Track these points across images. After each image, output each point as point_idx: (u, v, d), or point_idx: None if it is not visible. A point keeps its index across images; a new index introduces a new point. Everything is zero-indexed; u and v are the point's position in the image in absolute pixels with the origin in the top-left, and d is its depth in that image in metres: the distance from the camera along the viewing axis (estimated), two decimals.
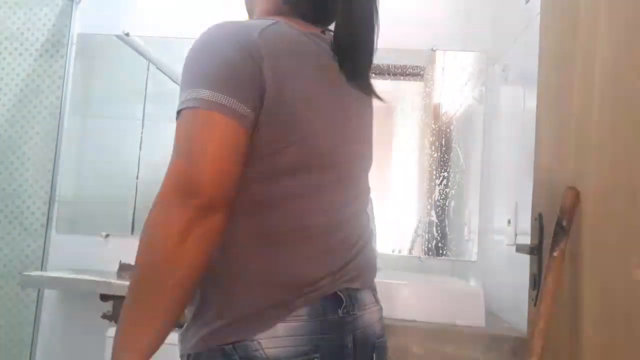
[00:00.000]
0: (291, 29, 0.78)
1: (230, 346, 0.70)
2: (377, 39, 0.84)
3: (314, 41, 0.80)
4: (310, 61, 0.78)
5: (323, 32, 0.84)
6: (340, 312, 0.76)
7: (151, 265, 0.68)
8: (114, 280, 1.71)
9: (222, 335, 0.71)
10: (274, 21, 0.78)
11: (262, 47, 0.72)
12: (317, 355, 0.72)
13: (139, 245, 0.69)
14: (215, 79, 0.70)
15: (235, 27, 0.75)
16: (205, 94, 0.69)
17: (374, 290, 0.87)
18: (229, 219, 0.73)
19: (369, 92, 0.88)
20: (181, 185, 0.67)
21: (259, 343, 0.70)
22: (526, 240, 1.06)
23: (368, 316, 0.81)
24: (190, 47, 0.75)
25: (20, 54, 2.07)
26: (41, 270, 1.98)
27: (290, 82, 0.74)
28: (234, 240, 0.75)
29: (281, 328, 0.71)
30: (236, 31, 0.74)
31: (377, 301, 0.87)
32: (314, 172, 0.76)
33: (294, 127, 0.74)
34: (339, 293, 0.76)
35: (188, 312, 0.78)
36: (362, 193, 0.87)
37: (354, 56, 0.82)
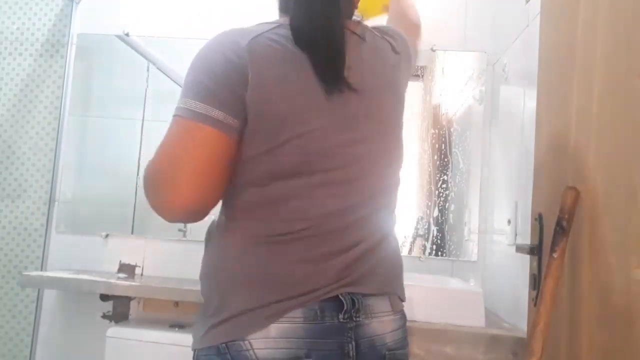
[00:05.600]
0: (288, 32, 0.78)
1: (224, 345, 0.71)
2: (343, 31, 0.79)
3: None
4: (301, 66, 0.77)
5: None
6: (341, 316, 0.74)
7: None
8: (114, 280, 1.71)
9: (218, 334, 0.73)
10: (275, 25, 0.80)
11: (247, 57, 0.74)
12: (310, 359, 0.71)
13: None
14: (201, 90, 0.74)
15: (226, 37, 0.78)
16: (191, 104, 0.74)
17: (394, 299, 0.82)
18: (224, 221, 0.79)
19: (340, 85, 0.79)
20: (159, 203, 0.75)
21: (250, 343, 0.70)
22: (526, 240, 1.06)
23: (378, 325, 0.78)
24: None
25: (20, 54, 2.07)
26: (41, 270, 1.98)
27: (275, 90, 0.75)
28: (229, 242, 0.78)
29: (274, 329, 0.71)
30: (226, 41, 0.77)
31: (395, 311, 0.82)
32: (304, 176, 0.76)
33: (280, 133, 0.74)
34: (340, 297, 0.74)
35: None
36: (374, 194, 0.82)
37: (322, 52, 0.77)
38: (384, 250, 0.82)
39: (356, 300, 0.75)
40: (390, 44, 0.90)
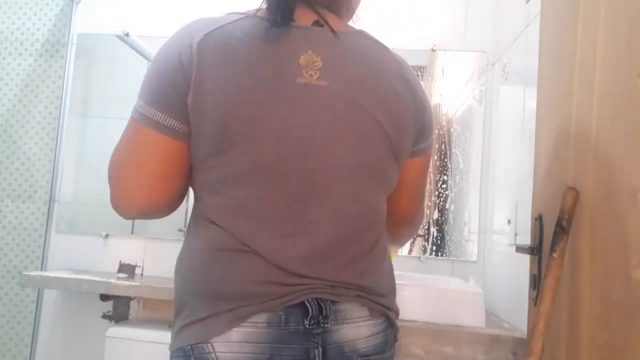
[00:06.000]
0: (253, 24, 0.75)
1: (189, 347, 0.71)
2: None
3: (276, 32, 0.75)
4: (257, 65, 0.73)
5: (317, 22, 0.78)
6: (306, 322, 0.72)
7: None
8: (114, 280, 1.71)
9: (185, 336, 0.73)
10: (242, 16, 0.77)
11: (195, 57, 0.72)
12: None
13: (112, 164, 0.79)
14: (149, 91, 0.75)
15: (185, 32, 0.76)
16: (141, 106, 0.75)
17: (372, 305, 0.78)
18: (191, 221, 0.79)
19: (288, 24, 0.75)
20: (112, 202, 0.78)
21: (213, 346, 0.70)
22: (526, 240, 1.06)
23: (349, 330, 0.75)
24: None
25: (20, 54, 2.07)
26: (41, 270, 1.98)
27: (217, 94, 0.71)
28: (194, 245, 0.77)
29: (235, 333, 0.70)
30: (182, 38, 0.75)
31: (375, 316, 0.78)
32: (255, 186, 0.72)
33: (224, 139, 0.71)
34: (306, 303, 0.72)
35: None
36: (348, 200, 0.76)
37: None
38: (369, 260, 0.78)
39: (324, 306, 0.72)
40: (393, 57, 0.84)
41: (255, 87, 0.72)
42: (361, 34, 0.83)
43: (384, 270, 0.82)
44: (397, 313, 0.84)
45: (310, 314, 0.72)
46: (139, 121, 0.74)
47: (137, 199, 0.77)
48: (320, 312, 0.72)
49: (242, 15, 0.77)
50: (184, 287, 0.77)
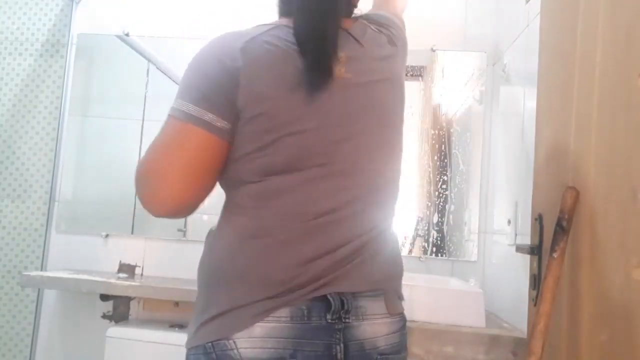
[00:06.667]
0: (284, 33, 0.80)
1: (210, 344, 0.71)
2: (338, 29, 0.81)
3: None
4: (294, 66, 0.77)
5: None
6: (329, 317, 0.73)
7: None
8: (114, 280, 1.71)
9: (205, 333, 0.73)
10: (271, 26, 0.82)
11: (240, 59, 0.76)
12: None
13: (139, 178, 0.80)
14: (194, 93, 0.77)
15: (221, 41, 0.81)
16: (185, 106, 0.76)
17: (390, 299, 0.80)
18: (220, 219, 0.81)
19: (328, 79, 0.80)
20: (150, 199, 0.78)
21: (235, 343, 0.70)
22: (526, 240, 1.06)
23: (369, 327, 0.76)
24: None
25: (20, 54, 2.07)
26: (41, 270, 1.98)
27: (266, 90, 0.76)
28: (221, 239, 0.79)
29: (258, 328, 0.71)
30: (221, 45, 0.80)
31: (392, 314, 0.80)
32: (297, 172, 0.76)
33: (272, 131, 0.76)
34: (328, 297, 0.73)
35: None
36: (371, 189, 0.81)
37: (313, 47, 0.79)
38: (379, 248, 0.81)
39: (345, 301, 0.74)
40: (387, 37, 0.90)
41: (296, 85, 0.77)
42: (359, 23, 0.89)
43: (399, 269, 0.86)
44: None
45: (333, 308, 0.73)
46: (186, 121, 0.76)
47: (178, 195, 0.77)
48: (342, 306, 0.74)
49: (272, 26, 0.82)
50: (210, 277, 0.78)
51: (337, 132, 0.79)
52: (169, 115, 0.78)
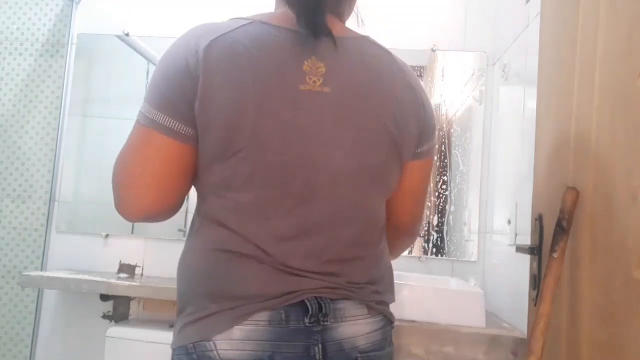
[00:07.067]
0: (257, 30, 0.76)
1: (192, 345, 0.72)
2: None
3: (281, 39, 0.76)
4: (263, 71, 0.74)
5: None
6: (306, 320, 0.73)
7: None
8: (114, 280, 1.71)
9: (187, 334, 0.74)
10: (248, 22, 0.78)
11: (201, 62, 0.72)
12: None
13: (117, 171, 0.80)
14: (157, 96, 0.75)
15: (191, 36, 0.76)
16: (148, 110, 0.75)
17: (371, 303, 0.79)
18: (194, 221, 0.80)
19: (326, 33, 0.76)
20: (118, 206, 0.80)
21: (214, 344, 0.71)
22: (526, 240, 1.06)
23: (349, 328, 0.76)
24: None
25: (20, 54, 2.07)
26: (41, 270, 1.98)
27: (223, 99, 0.72)
28: (197, 245, 0.78)
29: (237, 331, 0.71)
30: (187, 42, 0.75)
31: (373, 314, 0.80)
32: (257, 191, 0.73)
33: (229, 144, 0.72)
34: (306, 302, 0.73)
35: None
36: (341, 214, 0.77)
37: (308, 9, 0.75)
38: (367, 260, 0.80)
39: (323, 305, 0.74)
40: (395, 60, 0.84)
41: (258, 95, 0.73)
42: (364, 40, 0.83)
43: (382, 270, 0.84)
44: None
45: (310, 312, 0.73)
46: (148, 126, 0.74)
47: (146, 202, 0.77)
48: (320, 310, 0.74)
49: (247, 21, 0.78)
50: (187, 286, 0.78)
51: (304, 147, 0.74)
52: (136, 119, 0.76)
